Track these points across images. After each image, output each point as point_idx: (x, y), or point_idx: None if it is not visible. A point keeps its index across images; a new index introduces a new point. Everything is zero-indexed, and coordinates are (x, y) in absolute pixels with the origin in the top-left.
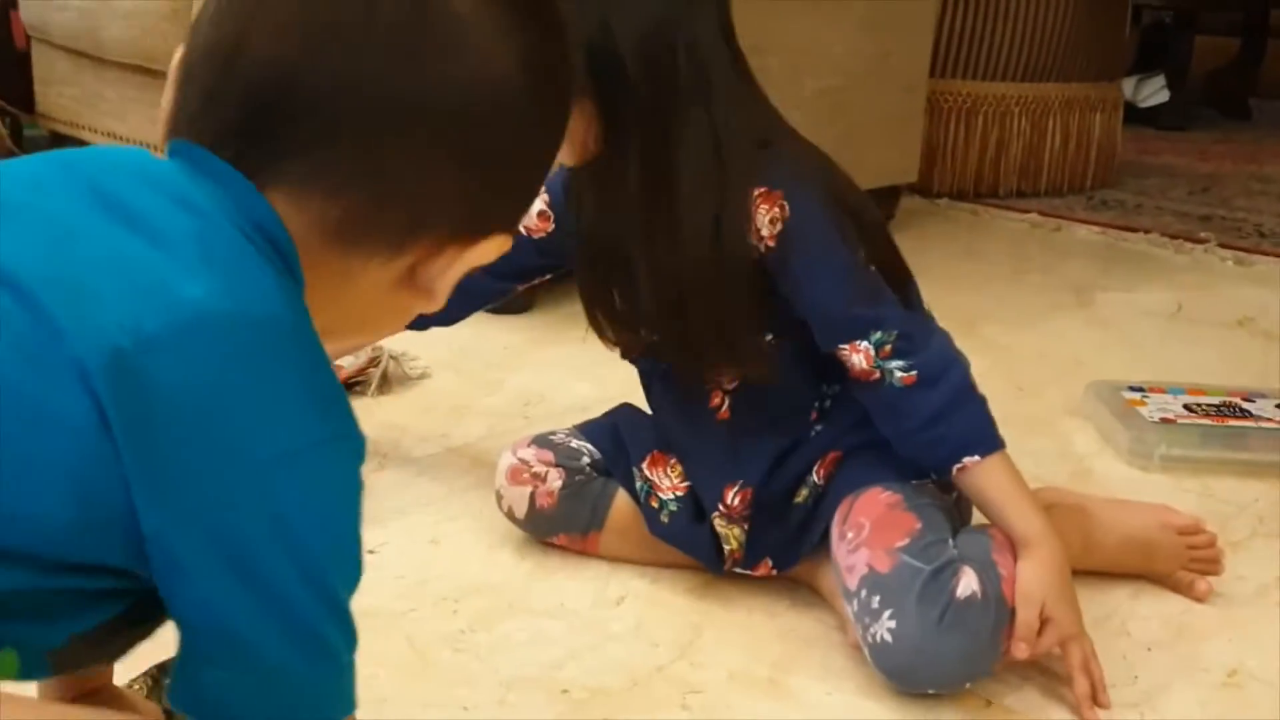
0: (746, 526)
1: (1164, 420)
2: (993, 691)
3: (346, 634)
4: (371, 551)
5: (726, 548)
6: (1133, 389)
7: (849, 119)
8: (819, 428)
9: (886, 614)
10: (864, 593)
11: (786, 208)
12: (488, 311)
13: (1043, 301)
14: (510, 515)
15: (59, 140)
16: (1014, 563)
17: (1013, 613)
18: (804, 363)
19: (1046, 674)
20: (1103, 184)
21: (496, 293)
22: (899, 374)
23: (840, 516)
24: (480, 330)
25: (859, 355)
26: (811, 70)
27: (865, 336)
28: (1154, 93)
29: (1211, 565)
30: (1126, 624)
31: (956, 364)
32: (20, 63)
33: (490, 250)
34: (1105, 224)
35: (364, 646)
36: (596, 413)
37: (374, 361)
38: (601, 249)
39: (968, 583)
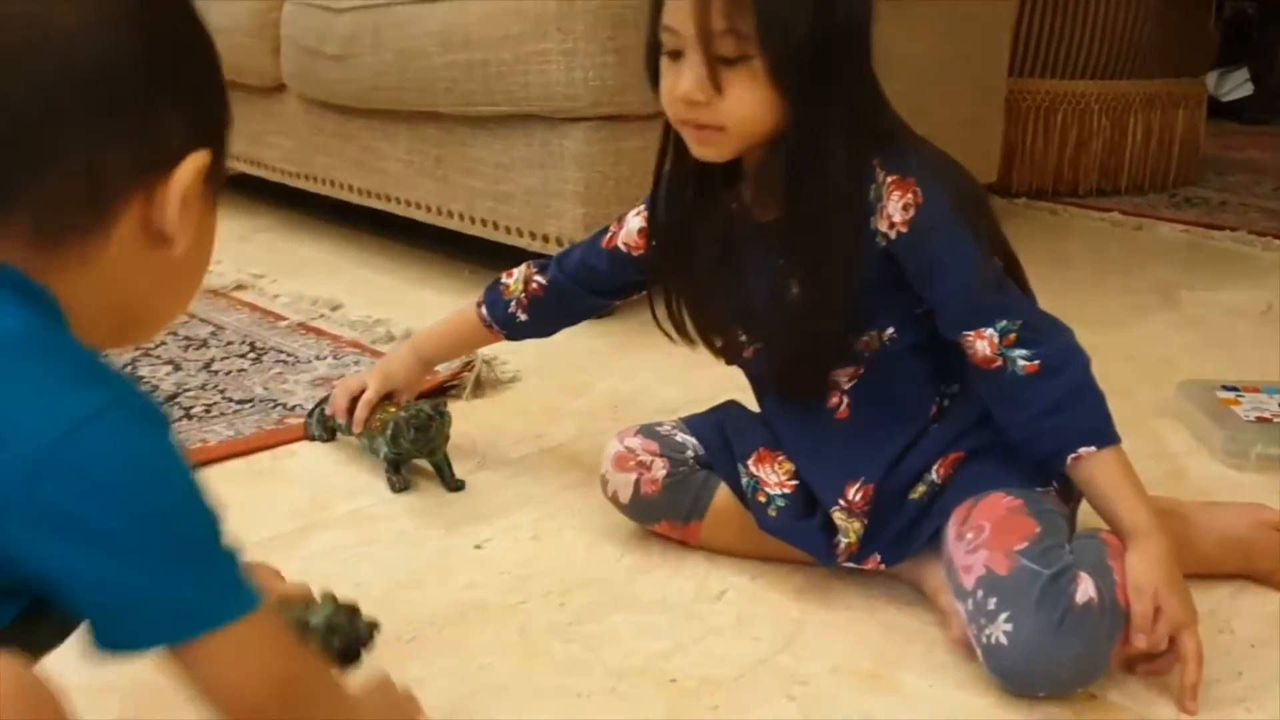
0: (866, 521)
1: (1259, 419)
2: (1096, 685)
3: (206, 550)
4: (478, 547)
5: (844, 540)
6: (1226, 388)
7: (929, 120)
8: (938, 425)
9: (1003, 616)
10: (980, 593)
11: (919, 194)
12: None
13: (1127, 302)
14: (614, 500)
15: None
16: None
17: (1127, 617)
18: (924, 359)
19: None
20: (1185, 181)
21: (594, 308)
22: (1021, 362)
23: (960, 517)
24: (565, 335)
25: (983, 342)
26: (892, 73)
27: (990, 323)
28: (1237, 86)
29: None
30: (1230, 621)
31: (1079, 356)
32: None
33: (190, 171)
34: (1189, 222)
35: (478, 636)
36: (686, 414)
37: (468, 366)
38: (719, 248)
39: (1085, 588)
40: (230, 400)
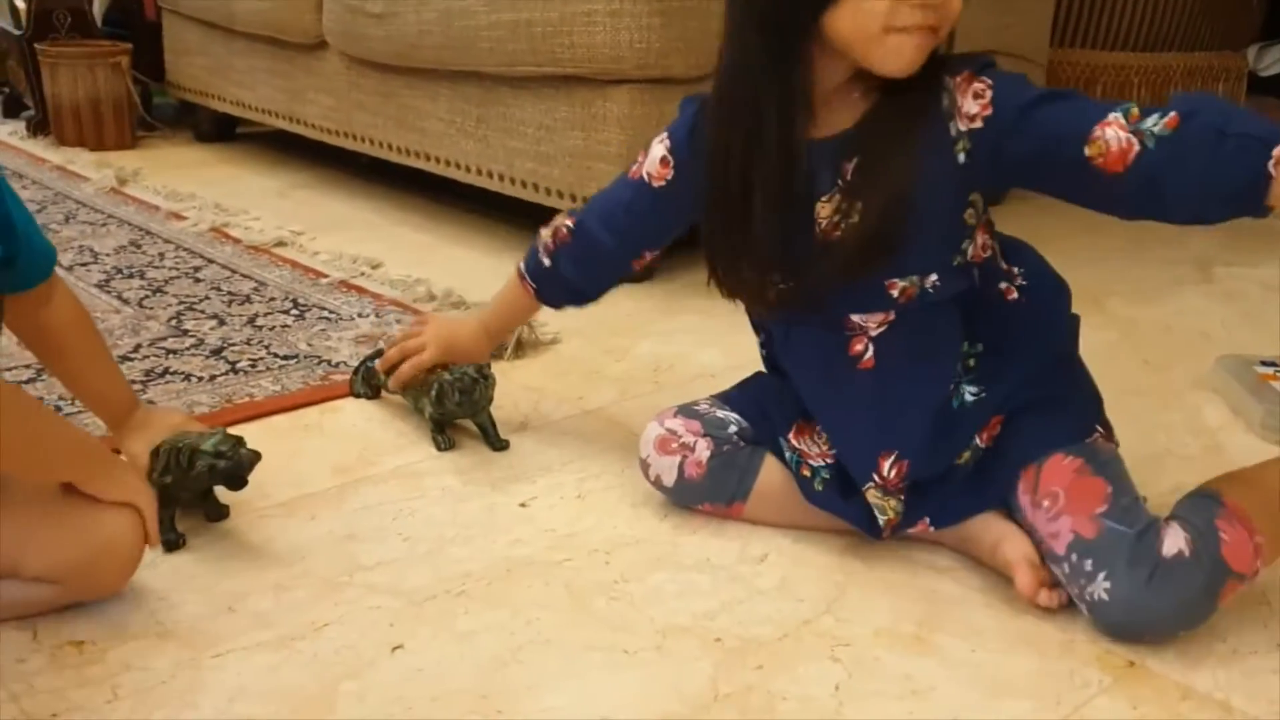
0: (902, 497)
1: None
2: (1135, 653)
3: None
4: (523, 505)
5: (883, 518)
6: (1265, 363)
7: None
8: (972, 391)
9: (1101, 575)
10: (1074, 557)
11: (987, 80)
12: None
13: (1165, 275)
14: (657, 484)
15: (187, 108)
16: (1244, 531)
17: (1232, 573)
18: (954, 315)
19: (1186, 639)
20: None
21: (626, 265)
22: (1158, 125)
23: (1028, 485)
24: (604, 298)
25: (1112, 129)
26: None
27: (1108, 114)
28: (1275, 61)
29: None
30: (1267, 594)
31: (1194, 93)
32: (151, 33)
33: None
34: None
35: (525, 591)
36: (724, 379)
37: None
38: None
39: (1172, 542)
40: (275, 356)
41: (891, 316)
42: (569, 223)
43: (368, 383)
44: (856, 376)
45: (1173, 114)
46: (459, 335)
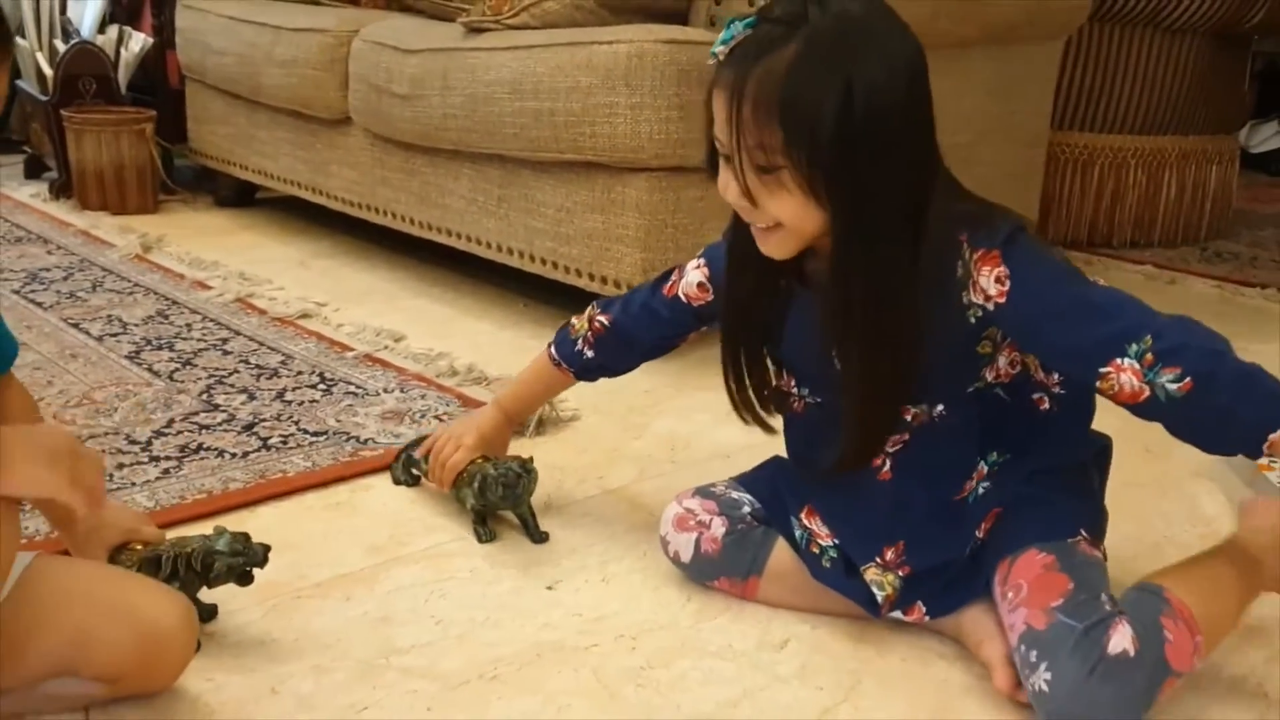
0: (902, 574)
1: None
2: None
3: None
4: (549, 588)
5: (881, 594)
6: None
7: (975, 173)
8: (983, 488)
9: (1042, 667)
10: (1023, 648)
11: (1008, 265)
12: None
13: None
14: (676, 559)
15: (208, 173)
16: (1186, 631)
17: (1172, 671)
18: (967, 433)
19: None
20: (1217, 235)
21: (658, 346)
22: (1172, 386)
23: (1000, 577)
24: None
25: (1126, 375)
26: (943, 127)
27: (1124, 352)
28: (1267, 138)
29: None
30: (1264, 685)
31: (1219, 346)
32: (174, 100)
33: None
34: (1221, 278)
35: (556, 677)
36: (741, 458)
37: None
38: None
39: (1119, 639)
40: (305, 431)
41: (906, 437)
42: (604, 319)
43: (408, 471)
44: (875, 487)
45: (1188, 379)
46: (484, 426)
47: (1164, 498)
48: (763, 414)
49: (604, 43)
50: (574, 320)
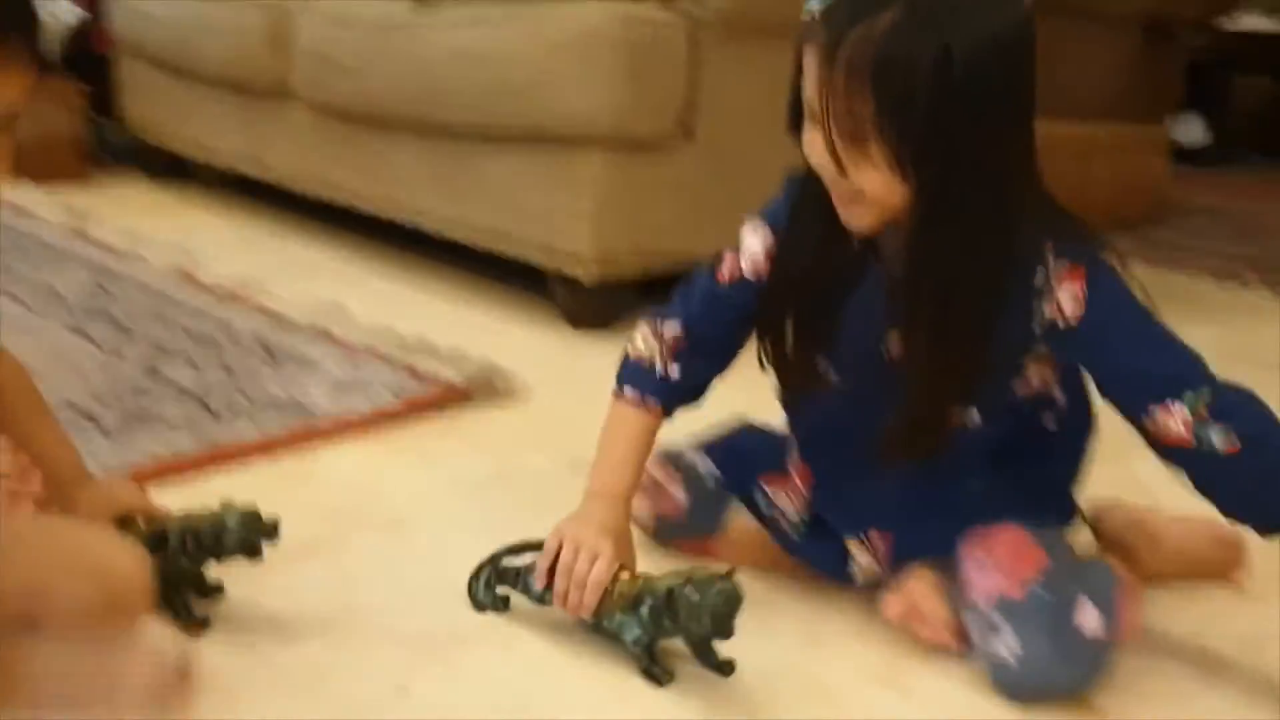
0: (882, 567)
1: None
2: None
3: None
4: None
5: (858, 569)
6: None
7: None
8: (982, 495)
9: (1009, 635)
10: (995, 614)
11: (1090, 282)
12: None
13: None
14: (635, 522)
15: (146, 149)
16: (1134, 605)
17: (1121, 644)
18: (986, 444)
19: (1137, 676)
20: (1147, 223)
21: (737, 341)
22: (1218, 441)
23: (971, 541)
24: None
25: (1174, 420)
26: None
27: (1178, 396)
28: (1190, 132)
29: None
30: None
31: (1274, 424)
32: (102, 68)
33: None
34: (1154, 262)
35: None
36: None
37: None
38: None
39: (1089, 621)
40: (252, 401)
41: None
42: (675, 329)
43: (492, 591)
44: (883, 478)
45: (1237, 440)
46: (614, 528)
47: (1100, 464)
48: (805, 378)
49: (555, 15)
50: (630, 347)
